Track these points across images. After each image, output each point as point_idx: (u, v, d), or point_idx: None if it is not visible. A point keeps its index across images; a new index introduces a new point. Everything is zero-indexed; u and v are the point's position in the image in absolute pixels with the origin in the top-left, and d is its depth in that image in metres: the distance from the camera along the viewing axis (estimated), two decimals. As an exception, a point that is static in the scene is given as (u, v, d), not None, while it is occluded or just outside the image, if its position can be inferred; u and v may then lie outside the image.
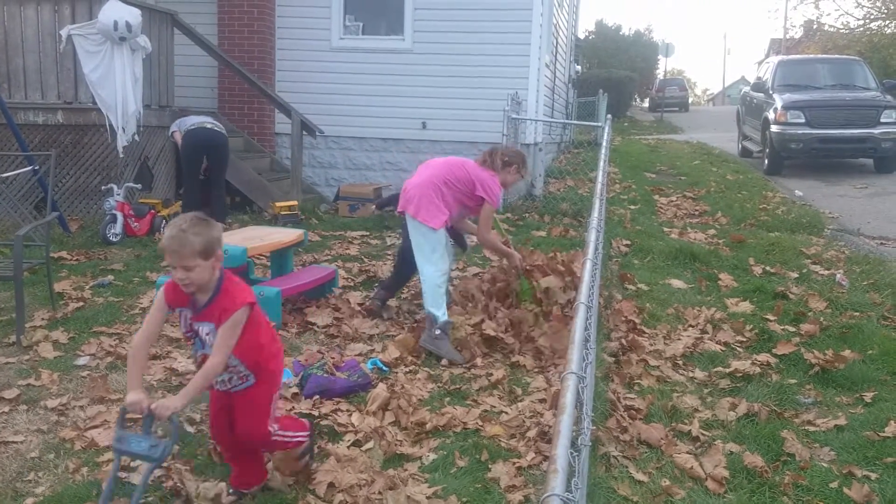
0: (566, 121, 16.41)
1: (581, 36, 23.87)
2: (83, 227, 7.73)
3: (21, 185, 7.49)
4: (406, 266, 5.32)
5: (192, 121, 8.30)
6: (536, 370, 4.53)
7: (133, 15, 7.77)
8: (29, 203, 7.56)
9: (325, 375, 4.14)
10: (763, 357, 4.76)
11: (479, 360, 4.59)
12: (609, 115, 10.97)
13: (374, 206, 9.28)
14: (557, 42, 13.80)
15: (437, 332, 4.71)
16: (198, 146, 8.27)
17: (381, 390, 3.99)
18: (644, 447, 3.64)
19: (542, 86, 10.74)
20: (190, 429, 3.65)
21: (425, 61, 10.14)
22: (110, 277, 6.21)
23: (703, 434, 3.78)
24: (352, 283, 6.26)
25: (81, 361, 4.47)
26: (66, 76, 8.07)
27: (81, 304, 5.51)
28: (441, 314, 4.77)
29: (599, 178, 5.79)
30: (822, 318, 5.45)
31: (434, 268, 4.85)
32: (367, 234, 8.28)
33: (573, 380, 1.88)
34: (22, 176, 7.12)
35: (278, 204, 8.58)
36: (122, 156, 7.96)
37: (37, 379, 4.18)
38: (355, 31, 10.52)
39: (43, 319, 5.13)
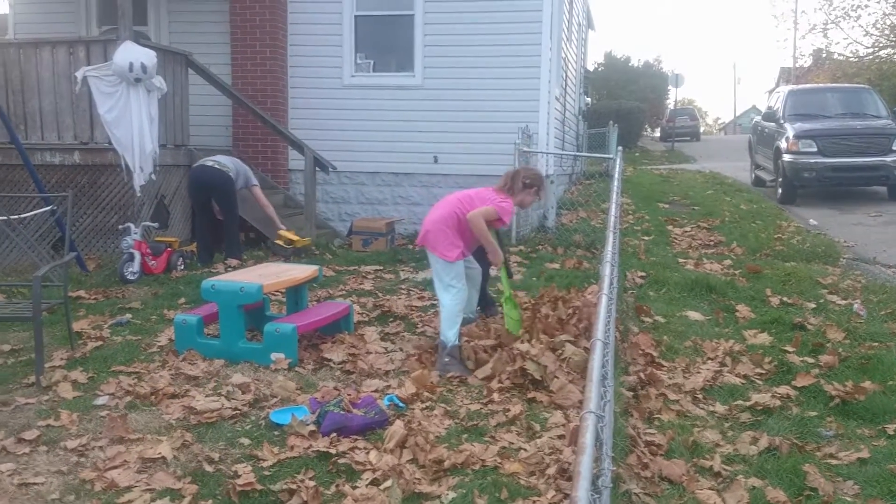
0: (577, 153, 16.47)
1: (590, 68, 24.02)
2: (101, 266, 7.79)
3: (38, 226, 7.58)
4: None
5: (203, 160, 8.38)
6: (554, 405, 4.50)
7: (148, 56, 7.91)
8: (46, 243, 7.64)
9: (341, 412, 4.12)
10: (783, 389, 4.72)
11: (496, 396, 4.57)
12: (620, 147, 10.99)
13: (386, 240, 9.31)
14: (567, 75, 13.91)
15: (447, 358, 5.04)
16: (191, 184, 8.43)
17: (398, 427, 3.97)
18: (665, 483, 3.59)
19: (553, 118, 10.81)
20: (209, 468, 3.64)
21: (436, 97, 10.26)
22: (128, 316, 6.24)
23: (724, 469, 3.73)
24: (366, 319, 6.27)
25: (101, 401, 4.48)
26: (82, 117, 8.21)
27: (100, 343, 5.53)
28: (452, 337, 5.07)
29: (612, 211, 5.76)
30: (840, 349, 5.40)
31: (453, 298, 5.15)
32: (381, 268, 8.30)
33: (592, 419, 1.87)
34: (39, 216, 7.20)
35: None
36: (138, 195, 8.05)
37: (56, 419, 4.18)
38: (366, 68, 10.65)
39: (62, 359, 5.15)
